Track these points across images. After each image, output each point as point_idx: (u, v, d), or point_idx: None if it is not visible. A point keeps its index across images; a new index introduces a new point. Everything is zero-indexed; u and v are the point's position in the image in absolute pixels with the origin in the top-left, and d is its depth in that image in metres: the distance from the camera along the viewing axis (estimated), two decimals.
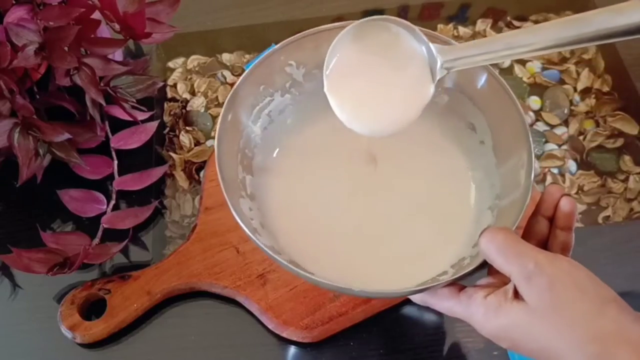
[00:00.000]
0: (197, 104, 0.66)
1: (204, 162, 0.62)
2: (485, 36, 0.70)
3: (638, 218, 0.58)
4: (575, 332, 0.35)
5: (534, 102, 0.65)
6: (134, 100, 0.57)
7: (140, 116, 0.60)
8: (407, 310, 0.53)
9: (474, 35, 0.71)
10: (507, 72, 0.67)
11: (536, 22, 0.72)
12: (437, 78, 0.44)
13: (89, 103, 0.55)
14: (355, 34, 0.45)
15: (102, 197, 0.57)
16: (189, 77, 0.68)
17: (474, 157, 0.52)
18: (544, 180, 0.61)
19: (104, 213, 0.57)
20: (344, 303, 0.51)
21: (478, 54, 0.42)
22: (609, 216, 0.59)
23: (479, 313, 0.39)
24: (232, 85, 0.66)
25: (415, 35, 0.44)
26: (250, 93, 0.51)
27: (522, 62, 0.68)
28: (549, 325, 0.36)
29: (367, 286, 0.41)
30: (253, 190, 0.51)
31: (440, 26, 0.71)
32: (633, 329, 0.34)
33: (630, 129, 0.63)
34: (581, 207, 0.59)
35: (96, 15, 0.55)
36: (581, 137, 0.63)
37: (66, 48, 0.52)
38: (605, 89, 0.66)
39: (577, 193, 0.60)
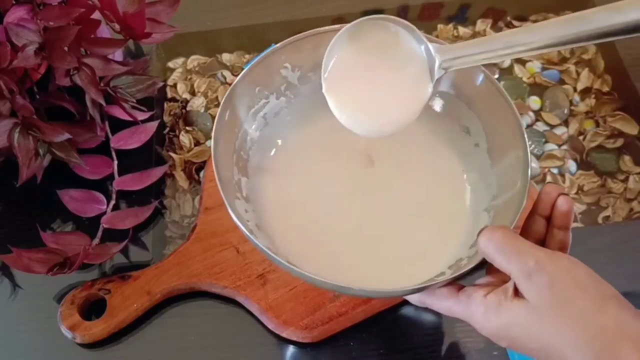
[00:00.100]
0: (197, 104, 0.66)
1: (204, 162, 0.62)
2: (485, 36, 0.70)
3: (638, 218, 0.58)
4: (576, 329, 0.35)
5: (534, 102, 0.65)
6: (134, 100, 0.57)
7: (140, 116, 0.60)
8: (407, 310, 0.53)
9: (474, 36, 0.71)
10: (507, 72, 0.67)
11: (536, 22, 0.71)
12: (436, 78, 0.44)
13: (89, 103, 0.55)
14: (353, 34, 0.45)
15: (102, 197, 0.57)
16: (189, 77, 0.69)
17: (469, 160, 0.52)
18: (543, 180, 0.61)
19: (104, 213, 0.57)
20: (344, 303, 0.51)
21: (477, 53, 0.42)
22: (608, 216, 0.59)
23: (478, 312, 0.39)
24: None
25: (413, 34, 0.44)
26: (246, 94, 0.51)
27: (522, 62, 0.68)
28: (550, 323, 0.36)
29: (365, 286, 0.41)
30: (248, 192, 0.51)
31: (440, 26, 0.71)
32: (634, 326, 0.34)
33: (630, 129, 0.63)
34: (581, 207, 0.59)
35: (96, 15, 0.55)
36: (581, 137, 0.63)
37: (66, 48, 0.52)
38: (605, 89, 0.66)
39: (577, 193, 0.60)
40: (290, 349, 0.52)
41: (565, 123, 0.64)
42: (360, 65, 0.46)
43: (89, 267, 0.55)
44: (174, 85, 0.68)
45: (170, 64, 0.70)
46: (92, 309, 0.53)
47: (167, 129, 0.65)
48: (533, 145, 0.62)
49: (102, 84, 0.55)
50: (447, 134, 0.53)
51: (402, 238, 0.50)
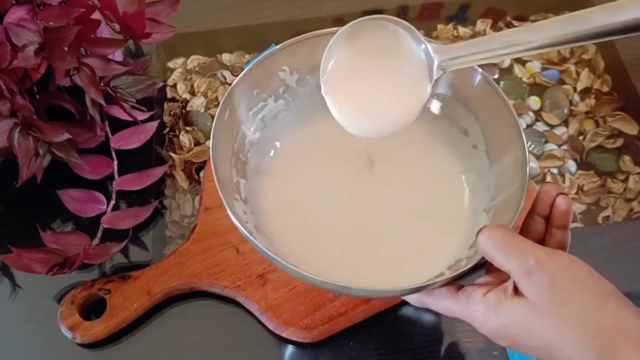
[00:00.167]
0: (197, 104, 0.67)
1: (204, 162, 0.62)
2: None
3: (638, 218, 0.58)
4: (577, 328, 0.35)
5: (534, 102, 0.65)
6: (134, 101, 0.57)
7: (140, 116, 0.60)
8: (407, 310, 0.53)
9: (474, 36, 0.71)
10: (506, 72, 0.67)
11: (535, 22, 0.72)
12: (434, 78, 0.44)
13: (89, 103, 0.55)
14: (351, 35, 0.45)
15: (102, 197, 0.57)
16: (188, 77, 0.69)
17: (467, 161, 0.52)
18: (543, 180, 0.61)
19: (104, 213, 0.57)
20: (343, 303, 0.51)
21: (475, 53, 0.42)
22: (608, 216, 0.59)
23: (478, 311, 0.38)
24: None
25: (412, 34, 0.44)
26: (245, 96, 0.51)
27: (522, 62, 0.68)
28: (550, 322, 0.36)
29: (365, 286, 0.41)
30: (247, 194, 0.51)
31: (440, 26, 0.71)
32: (634, 324, 0.35)
33: (630, 129, 0.63)
34: (581, 207, 0.59)
35: (96, 15, 0.55)
36: (581, 137, 0.63)
37: (66, 48, 0.52)
38: (605, 89, 0.66)
39: (577, 193, 0.60)
40: (290, 349, 0.52)
41: (565, 123, 0.64)
42: (358, 66, 0.46)
43: (89, 267, 0.55)
44: (174, 85, 0.68)
45: (170, 64, 0.70)
46: (92, 309, 0.53)
47: (167, 129, 0.65)
48: (533, 146, 0.62)
49: (102, 84, 0.55)
50: (445, 136, 0.53)
51: (401, 238, 0.50)
